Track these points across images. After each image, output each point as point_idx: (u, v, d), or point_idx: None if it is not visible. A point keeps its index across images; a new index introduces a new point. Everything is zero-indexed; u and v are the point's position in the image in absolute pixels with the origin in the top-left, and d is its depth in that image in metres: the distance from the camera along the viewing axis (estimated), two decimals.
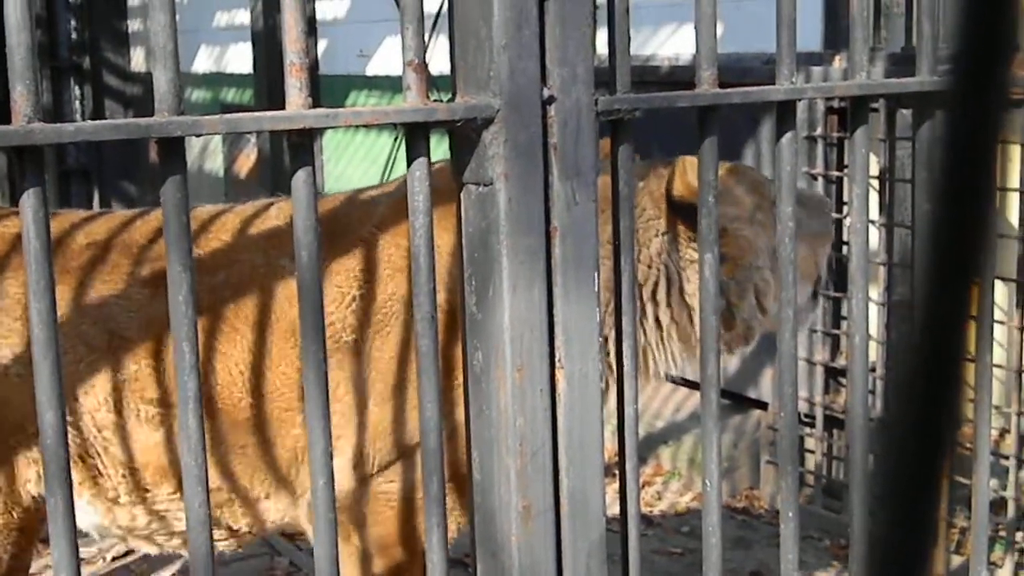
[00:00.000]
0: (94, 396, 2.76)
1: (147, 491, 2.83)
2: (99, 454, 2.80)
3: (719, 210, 2.36)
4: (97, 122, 1.88)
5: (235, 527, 2.91)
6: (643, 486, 5.28)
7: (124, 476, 2.81)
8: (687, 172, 2.89)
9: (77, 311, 2.76)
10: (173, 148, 1.84)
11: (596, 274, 2.14)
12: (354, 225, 2.83)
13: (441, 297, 2.69)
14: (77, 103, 9.63)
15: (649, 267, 2.96)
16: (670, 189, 2.95)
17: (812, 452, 5.12)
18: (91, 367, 2.75)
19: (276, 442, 2.80)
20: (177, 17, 1.83)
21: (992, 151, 0.68)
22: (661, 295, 2.98)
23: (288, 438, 2.79)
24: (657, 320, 2.99)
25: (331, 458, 2.02)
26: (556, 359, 2.13)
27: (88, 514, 2.85)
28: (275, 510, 2.89)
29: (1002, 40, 0.66)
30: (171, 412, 2.75)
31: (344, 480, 2.72)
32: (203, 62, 9.79)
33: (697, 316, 2.95)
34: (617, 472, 2.37)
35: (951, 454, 0.71)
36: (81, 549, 2.04)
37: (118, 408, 2.76)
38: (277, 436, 2.79)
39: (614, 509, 2.36)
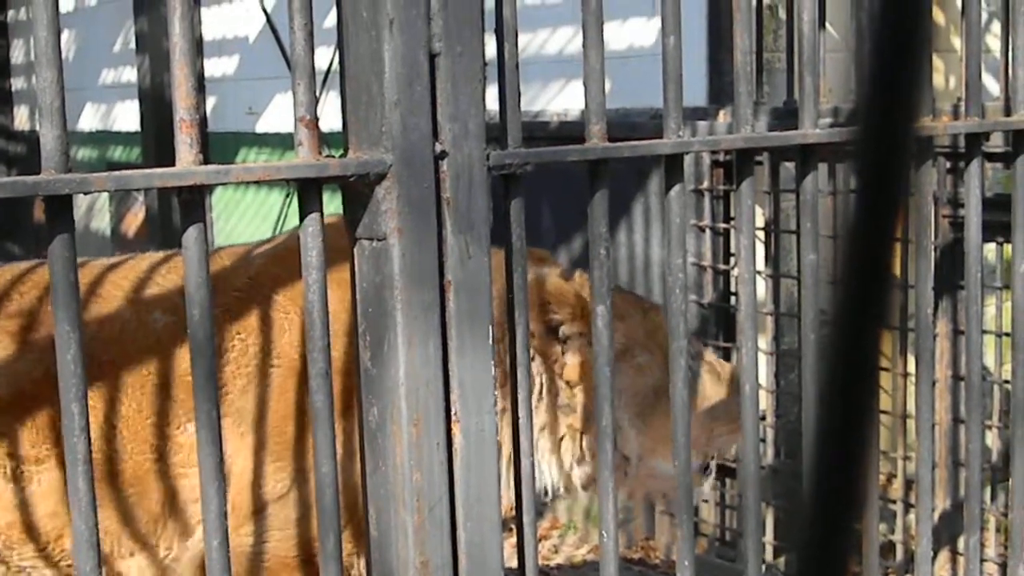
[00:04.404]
0: None
1: (11, 550, 2.74)
2: None
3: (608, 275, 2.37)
4: None
5: None
6: (540, 539, 5.27)
7: None
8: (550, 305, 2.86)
9: None
10: (61, 206, 1.82)
11: (490, 327, 2.15)
12: (229, 278, 2.79)
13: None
14: None
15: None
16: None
17: (706, 501, 5.16)
18: None
19: (143, 498, 2.74)
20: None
21: (898, 202, 0.70)
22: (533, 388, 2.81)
23: (154, 492, 2.73)
24: None
25: (226, 518, 1.99)
26: (452, 413, 2.13)
27: None
28: (137, 569, 2.82)
29: (909, 92, 0.69)
30: (39, 468, 2.69)
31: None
32: (89, 120, 9.66)
33: (567, 433, 2.92)
34: (514, 526, 2.36)
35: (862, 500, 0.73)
36: None
37: None
38: (145, 491, 2.73)
39: (512, 563, 2.36)
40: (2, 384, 2.70)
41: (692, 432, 2.80)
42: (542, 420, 2.86)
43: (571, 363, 2.89)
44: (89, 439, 1.87)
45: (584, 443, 2.90)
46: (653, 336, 2.96)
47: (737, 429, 3.05)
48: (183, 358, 2.73)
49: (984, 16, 3.26)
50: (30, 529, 2.72)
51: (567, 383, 2.90)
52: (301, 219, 2.01)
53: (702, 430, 2.93)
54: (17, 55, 10.29)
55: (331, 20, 2.20)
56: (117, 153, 9.38)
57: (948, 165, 4.41)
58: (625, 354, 2.94)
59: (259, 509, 2.71)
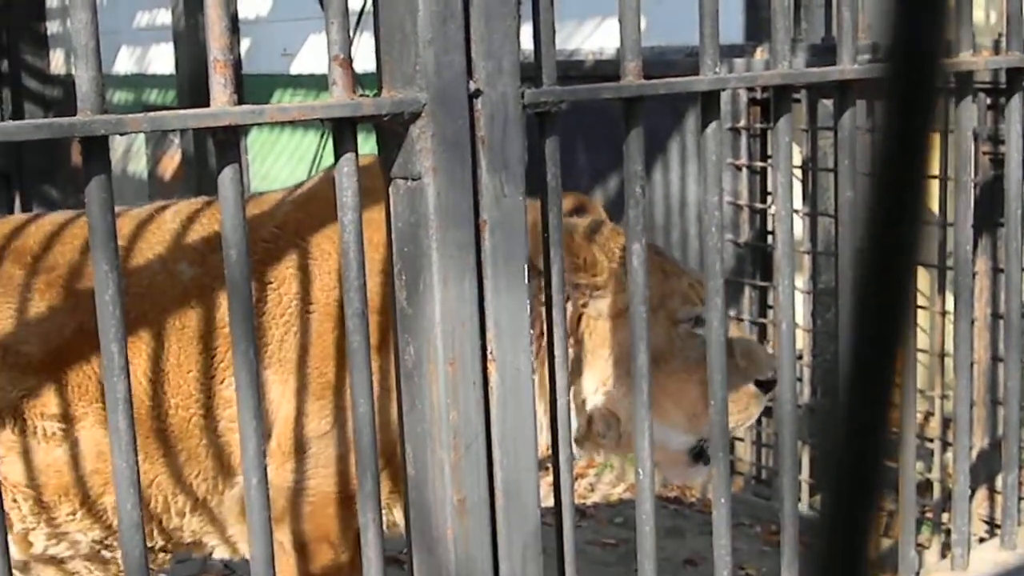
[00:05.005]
0: None
1: (45, 512, 2.75)
2: None
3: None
4: (19, 122, 1.86)
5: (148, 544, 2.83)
6: (576, 478, 5.30)
7: (15, 500, 2.74)
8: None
9: None
10: (97, 147, 1.82)
11: (526, 266, 2.15)
12: (256, 228, 2.78)
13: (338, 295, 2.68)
14: None
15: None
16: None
17: (741, 440, 5.17)
18: None
19: (195, 452, 2.76)
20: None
21: (926, 138, 0.69)
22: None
23: (210, 447, 2.75)
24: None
25: (264, 456, 2.01)
26: (488, 352, 2.13)
27: None
28: (196, 522, 2.85)
29: (936, 27, 0.68)
30: (73, 427, 2.70)
31: None
32: (124, 63, 9.68)
33: (592, 396, 2.86)
34: (551, 465, 2.37)
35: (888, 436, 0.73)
36: None
37: (13, 426, 2.69)
38: (198, 445, 2.75)
39: (548, 502, 2.37)
40: (34, 342, 2.71)
41: (697, 406, 2.77)
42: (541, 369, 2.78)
43: (569, 313, 2.84)
44: (128, 379, 1.89)
45: (573, 396, 2.87)
46: (665, 301, 2.91)
47: (741, 409, 2.97)
48: (216, 309, 2.75)
49: None
50: (71, 489, 2.74)
51: None
52: (336, 159, 2.01)
53: (705, 406, 2.66)
54: None
55: None
56: (152, 96, 9.40)
57: (989, 101, 4.36)
58: (627, 312, 2.91)
59: (302, 447, 2.74)
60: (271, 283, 2.76)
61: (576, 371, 2.84)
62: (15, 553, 2.79)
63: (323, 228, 2.78)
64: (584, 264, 2.82)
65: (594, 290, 2.84)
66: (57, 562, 2.89)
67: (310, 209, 2.84)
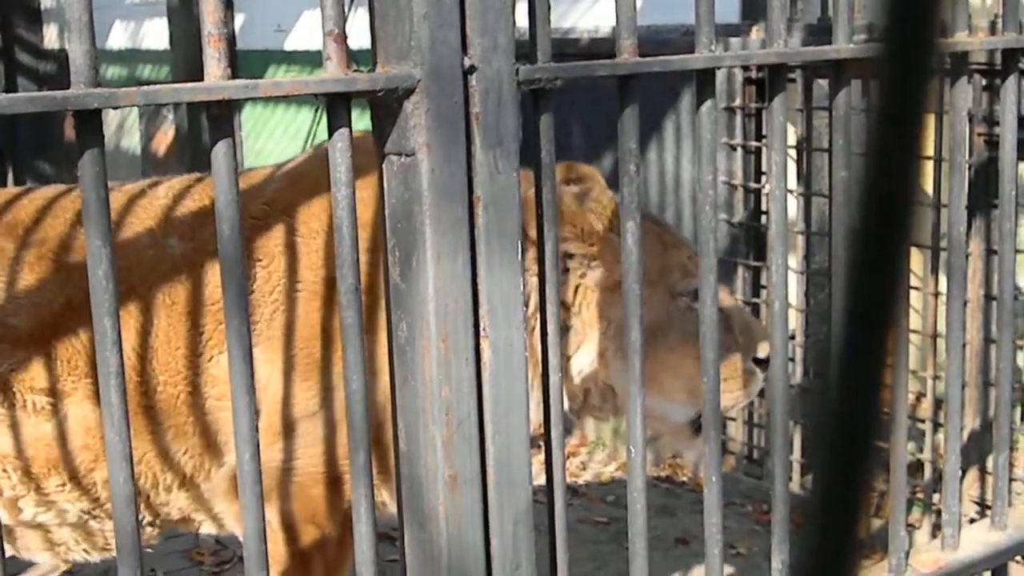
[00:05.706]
0: None
1: (35, 483, 2.76)
2: None
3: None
4: (12, 95, 1.85)
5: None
6: (568, 457, 5.31)
7: (5, 471, 2.74)
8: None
9: None
10: (90, 121, 1.81)
11: (519, 243, 2.15)
12: (245, 204, 2.77)
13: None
14: None
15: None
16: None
17: (733, 420, 5.18)
18: None
19: (183, 429, 2.76)
20: None
21: (920, 118, 0.69)
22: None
23: (197, 424, 2.76)
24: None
25: (256, 432, 2.01)
26: (481, 328, 2.13)
27: None
28: (184, 499, 2.85)
29: (931, 7, 0.68)
30: (61, 402, 2.70)
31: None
32: (118, 38, 9.64)
33: (578, 373, 2.85)
34: (543, 443, 2.37)
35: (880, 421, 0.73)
36: None
37: (2, 400, 2.69)
38: (185, 422, 2.75)
39: (540, 480, 2.37)
40: (23, 316, 2.70)
41: (695, 379, 2.72)
42: (533, 342, 2.57)
43: (568, 284, 2.83)
44: (121, 353, 1.89)
45: (573, 368, 2.87)
46: (664, 274, 2.89)
47: (740, 387, 2.96)
48: (206, 286, 2.74)
49: None
50: (60, 462, 2.74)
51: (562, 305, 2.82)
52: (330, 135, 2.01)
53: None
54: None
55: None
56: (146, 72, 9.37)
57: (984, 82, 4.36)
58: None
59: (290, 427, 2.74)
60: (260, 260, 2.75)
61: (572, 343, 2.83)
62: (5, 518, 2.80)
63: (312, 206, 2.78)
64: (581, 233, 2.82)
65: (591, 260, 2.83)
66: (44, 529, 2.89)
67: (299, 186, 2.83)
